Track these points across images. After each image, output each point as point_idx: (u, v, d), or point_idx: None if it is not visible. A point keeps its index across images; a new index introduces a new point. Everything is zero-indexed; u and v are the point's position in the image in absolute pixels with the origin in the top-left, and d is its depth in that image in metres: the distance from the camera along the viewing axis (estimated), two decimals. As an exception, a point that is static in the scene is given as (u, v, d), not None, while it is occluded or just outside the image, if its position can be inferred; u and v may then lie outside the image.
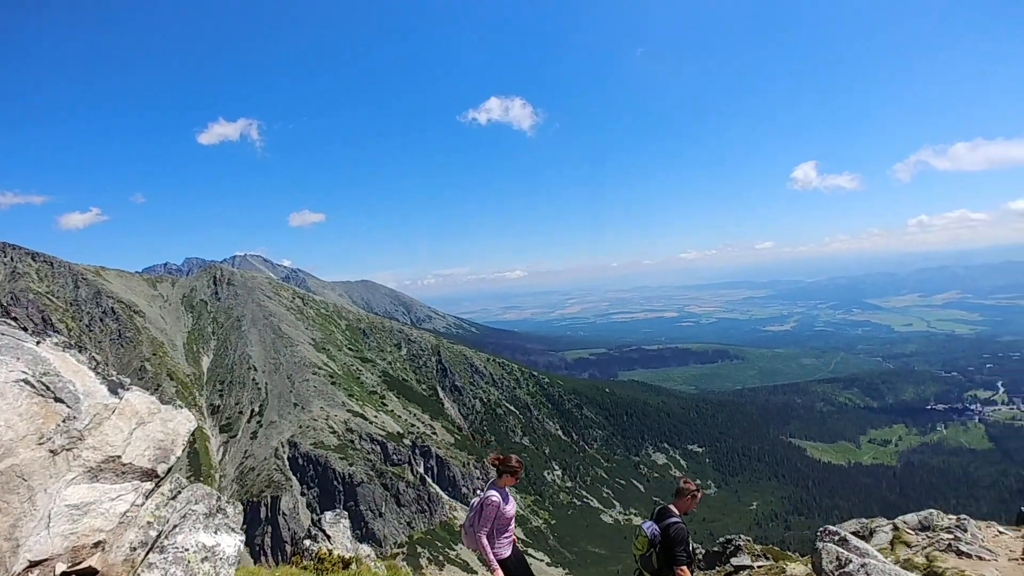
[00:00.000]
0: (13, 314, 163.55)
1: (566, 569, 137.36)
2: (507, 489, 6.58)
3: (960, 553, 18.37)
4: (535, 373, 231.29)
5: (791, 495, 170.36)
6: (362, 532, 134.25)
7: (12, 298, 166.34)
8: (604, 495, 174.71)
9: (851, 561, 5.47)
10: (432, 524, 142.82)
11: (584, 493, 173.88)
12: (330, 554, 12.37)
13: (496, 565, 6.21)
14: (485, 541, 6.22)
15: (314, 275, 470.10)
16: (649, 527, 6.79)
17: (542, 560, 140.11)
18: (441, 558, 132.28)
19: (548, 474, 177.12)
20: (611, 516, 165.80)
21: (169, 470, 6.39)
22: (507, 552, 6.44)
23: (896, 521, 23.66)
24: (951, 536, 19.96)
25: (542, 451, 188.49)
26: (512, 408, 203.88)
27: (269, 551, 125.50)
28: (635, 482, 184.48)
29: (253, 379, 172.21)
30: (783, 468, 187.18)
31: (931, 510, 23.69)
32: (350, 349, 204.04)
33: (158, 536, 5.91)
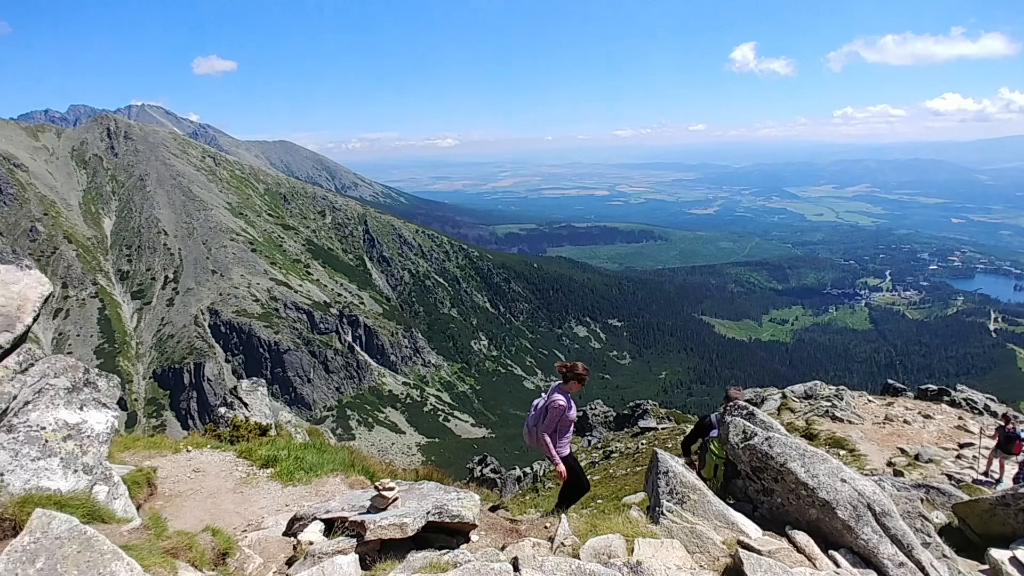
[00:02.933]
0: None
1: (489, 429, 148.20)
2: (571, 395, 6.81)
3: (834, 418, 20.66)
4: (465, 246, 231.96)
5: (696, 366, 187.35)
6: (291, 397, 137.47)
7: None
8: (527, 364, 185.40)
9: (756, 434, 5.49)
10: (361, 389, 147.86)
11: (508, 362, 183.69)
12: (247, 421, 11.98)
13: (559, 459, 6.71)
14: (548, 439, 6.63)
15: (226, 132, 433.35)
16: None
17: (467, 422, 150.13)
18: (371, 420, 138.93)
19: (475, 344, 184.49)
20: (532, 383, 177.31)
21: (17, 340, 5.55)
22: (567, 451, 6.90)
23: (785, 390, 26.17)
24: (828, 404, 22.32)
25: (469, 322, 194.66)
26: (441, 280, 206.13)
27: (196, 415, 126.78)
28: (557, 352, 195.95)
29: (165, 244, 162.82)
30: (692, 342, 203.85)
31: (816, 381, 26.29)
32: (270, 215, 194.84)
33: (2, 413, 5.14)
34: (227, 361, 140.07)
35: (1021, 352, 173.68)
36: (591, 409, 43.56)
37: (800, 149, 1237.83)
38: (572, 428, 6.88)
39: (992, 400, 27.26)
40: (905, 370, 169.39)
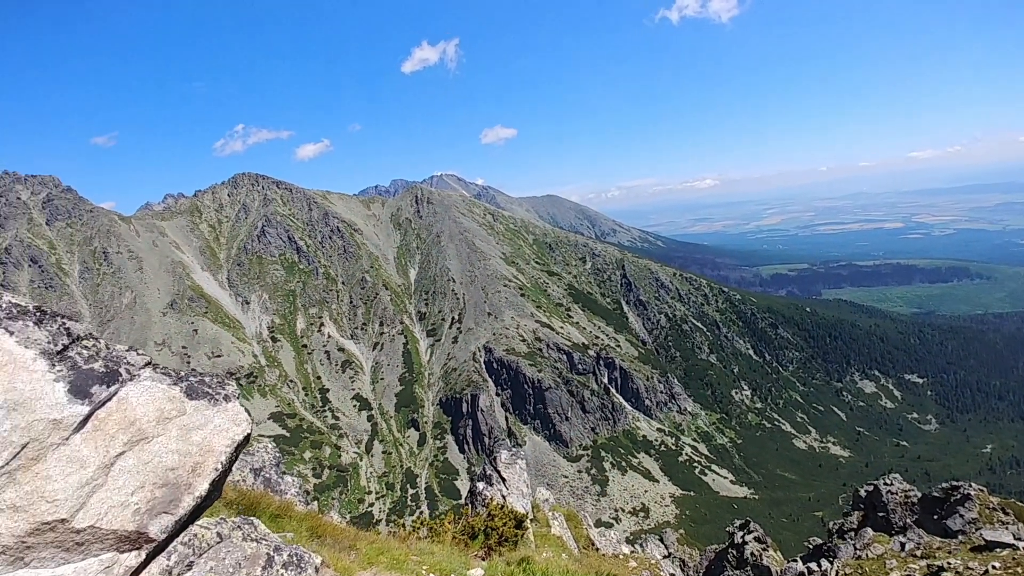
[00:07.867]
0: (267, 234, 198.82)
1: (751, 489, 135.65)
2: None
3: None
4: (725, 289, 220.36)
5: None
6: (550, 433, 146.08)
7: (266, 220, 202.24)
8: (798, 420, 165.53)
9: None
10: (615, 432, 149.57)
11: (775, 416, 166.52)
12: (503, 506, 11.85)
13: None
14: None
15: (503, 191, 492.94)
16: None
17: (726, 478, 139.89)
18: (624, 464, 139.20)
19: (736, 393, 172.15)
20: (805, 442, 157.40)
21: (182, 523, 3.99)
22: None
23: None
24: None
25: (730, 370, 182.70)
26: (699, 324, 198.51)
27: (470, 442, 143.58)
28: (836, 410, 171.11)
29: (452, 290, 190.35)
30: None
31: None
32: (537, 263, 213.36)
33: None
34: (497, 395, 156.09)
35: None
36: (886, 485, 37.16)
37: None
38: None
39: None
40: None
